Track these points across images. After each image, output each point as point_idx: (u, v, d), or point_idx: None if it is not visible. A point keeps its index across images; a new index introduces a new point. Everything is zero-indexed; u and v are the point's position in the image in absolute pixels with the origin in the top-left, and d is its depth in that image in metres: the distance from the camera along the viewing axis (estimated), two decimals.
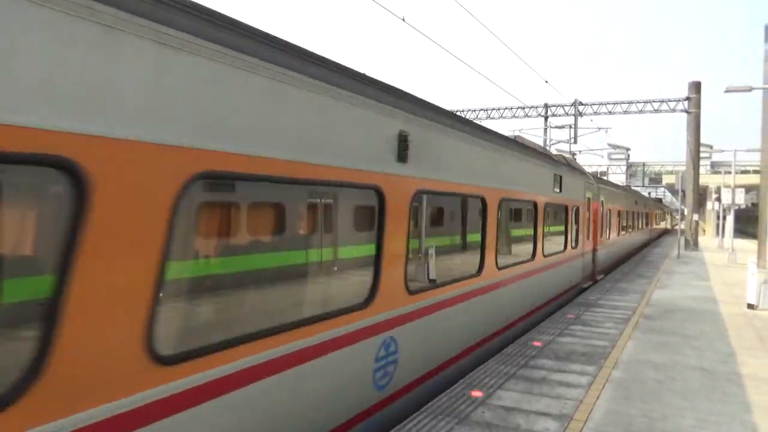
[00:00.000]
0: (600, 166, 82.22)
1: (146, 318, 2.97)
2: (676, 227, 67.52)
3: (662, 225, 58.93)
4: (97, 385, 2.73)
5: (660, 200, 66.82)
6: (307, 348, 4.30)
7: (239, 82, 3.50)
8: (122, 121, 2.77)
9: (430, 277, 6.65)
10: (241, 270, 4.33)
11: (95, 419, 2.72)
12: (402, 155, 5.51)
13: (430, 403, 5.81)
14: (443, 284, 6.65)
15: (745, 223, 55.43)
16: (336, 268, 5.37)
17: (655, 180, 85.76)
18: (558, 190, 11.91)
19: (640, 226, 32.63)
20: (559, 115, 39.95)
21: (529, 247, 10.30)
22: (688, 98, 34.72)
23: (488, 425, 5.29)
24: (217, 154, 3.33)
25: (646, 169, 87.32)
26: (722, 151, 45.00)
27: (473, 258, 7.84)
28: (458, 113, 40.10)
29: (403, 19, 13.94)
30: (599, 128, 40.17)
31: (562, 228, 12.84)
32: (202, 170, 3.23)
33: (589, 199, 15.65)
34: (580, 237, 14.50)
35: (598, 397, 6.17)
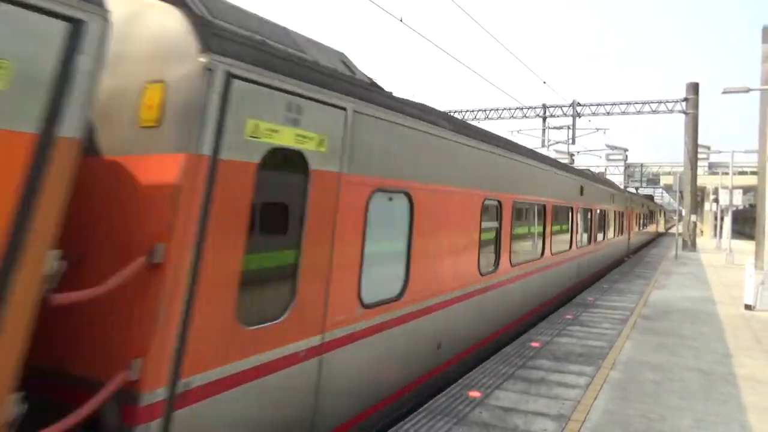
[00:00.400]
0: (598, 166, 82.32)
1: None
2: (671, 230, 64.32)
3: (651, 228, 45.51)
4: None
5: (651, 197, 55.02)
6: None
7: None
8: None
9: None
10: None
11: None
12: None
13: (428, 404, 5.81)
14: None
15: (743, 224, 55.60)
16: None
17: (653, 181, 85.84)
18: None
19: (598, 237, 17.51)
20: (558, 116, 39.96)
21: None
22: (685, 99, 34.76)
23: (486, 425, 5.29)
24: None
25: (644, 170, 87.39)
26: (720, 152, 45.21)
27: None
28: (456, 114, 40.11)
29: (401, 20, 13.94)
30: (597, 129, 40.23)
31: None
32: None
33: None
34: None
35: (595, 398, 6.18)
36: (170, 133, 3.41)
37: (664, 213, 68.89)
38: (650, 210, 43.38)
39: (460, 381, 6.62)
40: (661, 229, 61.74)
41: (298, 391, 4.37)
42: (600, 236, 17.78)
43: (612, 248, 20.93)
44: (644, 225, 37.44)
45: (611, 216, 20.16)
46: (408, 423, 5.29)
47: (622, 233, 23.66)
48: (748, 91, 17.02)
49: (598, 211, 17.39)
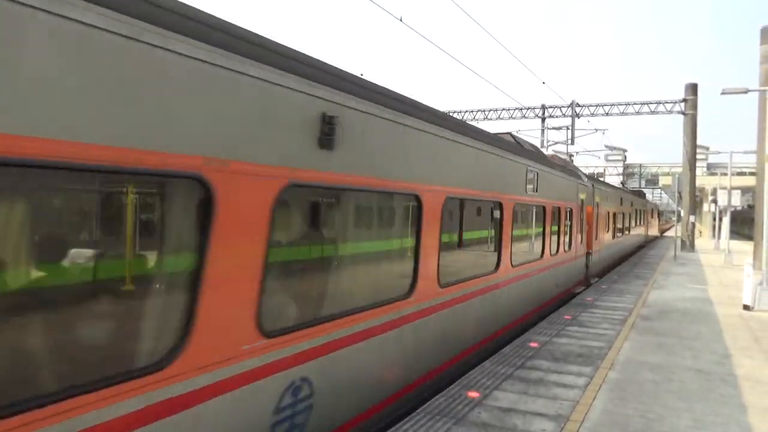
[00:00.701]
0: (597, 167, 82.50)
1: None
2: (666, 233, 62.03)
3: (640, 231, 35.72)
4: None
5: (642, 193, 46.35)
6: None
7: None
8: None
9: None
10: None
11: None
12: None
13: (427, 404, 5.81)
14: None
15: (741, 224, 55.64)
16: None
17: (652, 181, 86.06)
18: None
19: (478, 268, 8.30)
20: (557, 116, 40.01)
21: None
22: (684, 100, 34.82)
23: (485, 426, 5.29)
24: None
25: (643, 170, 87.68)
26: (719, 152, 45.19)
27: None
28: (454, 114, 40.10)
29: (401, 20, 13.95)
30: (596, 129, 40.28)
31: None
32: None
33: None
34: None
35: (594, 398, 6.18)
36: None
37: (659, 214, 63.29)
38: (638, 210, 32.94)
39: (458, 381, 6.62)
40: (655, 232, 52.77)
41: None
42: (490, 264, 8.87)
43: (540, 280, 11.82)
44: (626, 230, 27.33)
45: (547, 218, 11.98)
46: (407, 423, 5.29)
47: (570, 247, 14.53)
48: (746, 92, 17.02)
49: (491, 207, 8.99)
